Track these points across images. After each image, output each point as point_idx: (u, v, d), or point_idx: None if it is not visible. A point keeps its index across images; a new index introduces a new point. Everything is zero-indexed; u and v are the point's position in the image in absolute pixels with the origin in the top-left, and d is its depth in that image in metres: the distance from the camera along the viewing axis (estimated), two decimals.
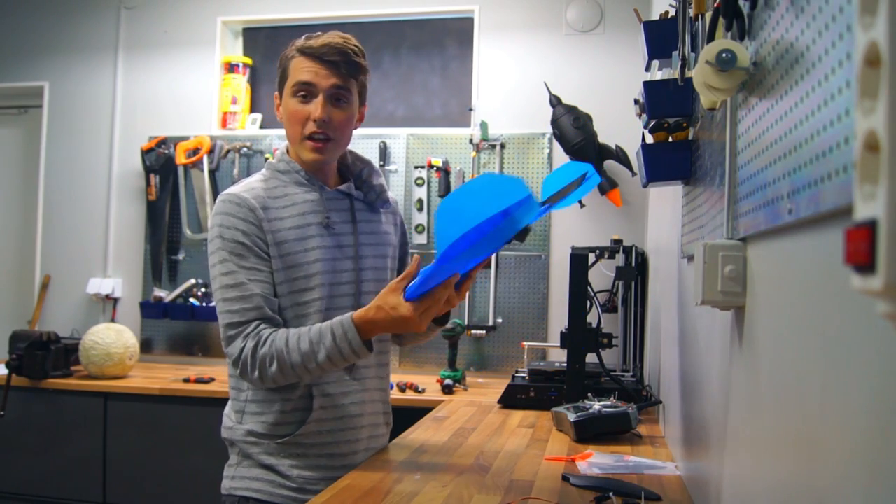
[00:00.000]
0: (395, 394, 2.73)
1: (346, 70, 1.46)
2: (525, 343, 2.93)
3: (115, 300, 3.58)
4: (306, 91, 1.45)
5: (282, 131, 1.57)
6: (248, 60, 3.61)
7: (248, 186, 1.47)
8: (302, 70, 1.45)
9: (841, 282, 0.55)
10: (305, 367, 1.37)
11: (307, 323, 1.44)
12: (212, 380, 2.90)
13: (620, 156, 2.96)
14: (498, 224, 1.13)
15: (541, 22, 3.29)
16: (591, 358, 2.22)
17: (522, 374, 2.50)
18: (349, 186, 1.55)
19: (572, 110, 2.94)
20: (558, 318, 3.15)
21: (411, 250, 3.22)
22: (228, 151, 3.48)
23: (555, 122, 2.96)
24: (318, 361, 1.36)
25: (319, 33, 1.48)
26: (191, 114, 3.58)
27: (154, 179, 3.55)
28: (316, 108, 1.44)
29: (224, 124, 3.56)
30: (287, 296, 1.44)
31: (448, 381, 2.79)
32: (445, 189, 3.26)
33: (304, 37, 1.49)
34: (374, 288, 1.55)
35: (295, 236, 1.44)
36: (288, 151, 1.54)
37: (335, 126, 1.47)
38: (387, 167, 3.33)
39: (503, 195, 1.10)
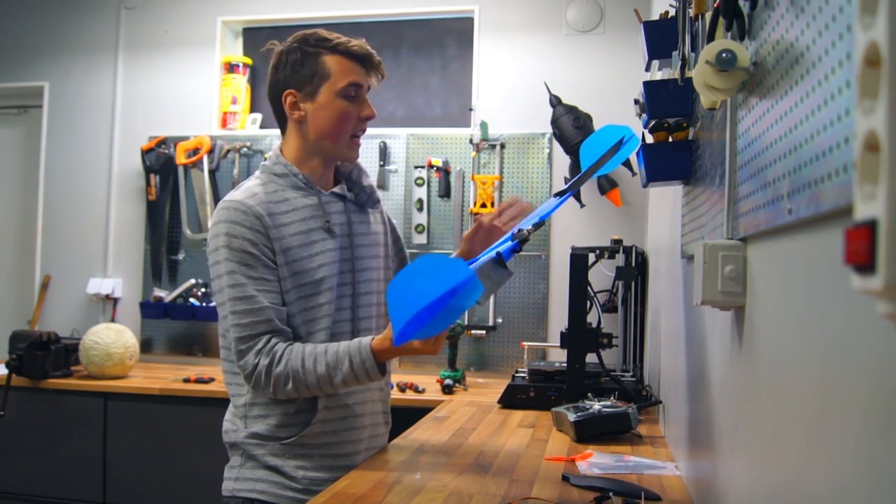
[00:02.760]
0: (395, 394, 2.73)
1: (380, 74, 1.53)
2: (525, 343, 2.93)
3: (115, 300, 3.58)
4: (356, 92, 1.48)
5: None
6: (248, 60, 3.61)
7: (249, 192, 1.44)
8: (350, 71, 1.47)
9: (841, 282, 0.55)
10: (320, 388, 1.39)
11: (316, 328, 1.44)
12: (212, 380, 2.90)
13: None
14: (446, 303, 1.14)
15: (541, 22, 3.29)
16: (591, 358, 2.22)
17: (522, 374, 2.50)
18: (342, 188, 1.55)
19: (572, 110, 2.94)
20: (558, 318, 3.15)
21: (411, 250, 3.25)
22: (228, 151, 3.48)
23: (555, 122, 2.96)
24: (334, 384, 1.38)
25: (322, 33, 1.48)
26: (191, 114, 3.58)
27: (154, 179, 3.55)
28: (367, 107, 1.50)
29: (224, 124, 3.56)
30: (295, 302, 1.43)
31: (448, 381, 2.79)
32: (445, 189, 3.26)
33: (312, 35, 1.48)
34: (374, 288, 1.56)
35: (299, 242, 1.44)
36: (282, 153, 1.52)
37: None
38: (387, 167, 3.33)
39: (447, 276, 1.12)
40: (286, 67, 1.48)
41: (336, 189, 1.54)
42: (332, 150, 1.51)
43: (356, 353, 1.36)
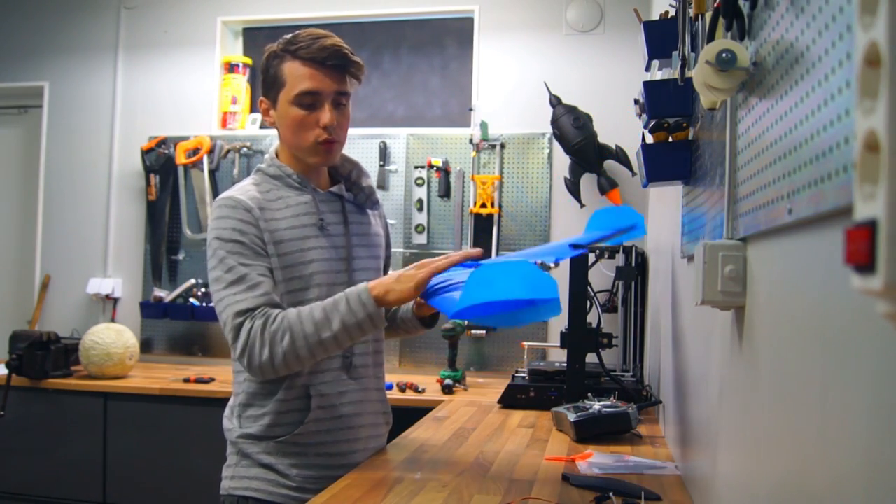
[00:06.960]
0: (395, 394, 2.73)
1: (348, 74, 1.46)
2: (525, 343, 2.93)
3: (115, 300, 3.58)
4: (312, 100, 1.43)
5: None
6: (248, 60, 3.61)
7: (242, 189, 1.46)
8: (304, 78, 1.42)
9: (841, 282, 0.55)
10: (319, 336, 1.33)
11: None
12: (212, 380, 2.90)
13: (620, 156, 2.96)
14: (520, 307, 1.15)
15: (541, 22, 3.29)
16: (591, 358, 2.22)
17: (522, 374, 2.50)
18: (340, 188, 1.55)
19: (572, 110, 2.94)
20: (558, 318, 3.14)
21: (411, 250, 3.25)
22: (228, 151, 3.48)
23: (555, 122, 2.96)
24: (333, 329, 1.33)
25: (303, 34, 1.44)
26: (191, 114, 3.58)
27: (154, 179, 3.55)
28: (325, 114, 1.43)
29: (224, 124, 3.56)
30: (284, 296, 1.43)
31: (448, 381, 2.79)
32: (445, 189, 3.26)
33: (288, 38, 1.45)
34: None
35: (291, 236, 1.44)
36: (278, 156, 1.53)
37: (340, 129, 1.47)
38: (387, 167, 3.33)
39: (535, 286, 1.13)
40: (260, 73, 1.51)
41: (333, 189, 1.54)
42: (302, 156, 1.49)
43: (352, 293, 1.35)
